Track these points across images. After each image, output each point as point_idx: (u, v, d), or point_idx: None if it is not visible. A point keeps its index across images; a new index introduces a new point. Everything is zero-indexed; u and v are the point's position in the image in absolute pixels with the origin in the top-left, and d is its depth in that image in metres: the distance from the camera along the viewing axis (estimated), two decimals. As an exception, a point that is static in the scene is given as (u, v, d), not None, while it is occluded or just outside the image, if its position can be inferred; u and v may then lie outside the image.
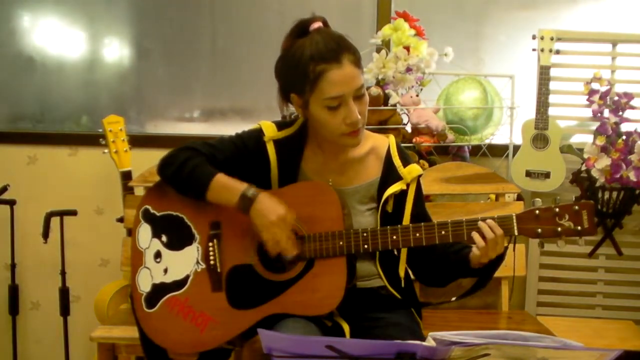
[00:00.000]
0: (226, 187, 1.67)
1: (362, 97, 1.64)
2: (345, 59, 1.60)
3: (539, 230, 1.59)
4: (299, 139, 1.78)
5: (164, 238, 1.78)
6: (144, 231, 1.79)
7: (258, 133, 1.77)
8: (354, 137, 1.66)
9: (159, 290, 1.75)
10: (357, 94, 1.62)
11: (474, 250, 1.61)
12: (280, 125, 1.79)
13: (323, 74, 1.58)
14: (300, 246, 1.66)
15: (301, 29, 1.66)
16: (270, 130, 1.77)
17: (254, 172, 1.76)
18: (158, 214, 1.79)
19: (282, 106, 1.76)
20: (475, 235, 1.60)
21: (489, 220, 1.60)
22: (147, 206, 1.81)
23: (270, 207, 1.63)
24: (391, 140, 1.81)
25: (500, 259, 1.64)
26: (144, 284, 1.76)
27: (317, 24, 1.66)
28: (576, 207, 1.58)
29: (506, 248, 1.63)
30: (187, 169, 1.69)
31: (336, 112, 1.62)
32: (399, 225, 1.68)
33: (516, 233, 1.61)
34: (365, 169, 1.78)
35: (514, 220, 1.60)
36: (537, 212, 1.59)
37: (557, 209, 1.59)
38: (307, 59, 1.60)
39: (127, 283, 2.53)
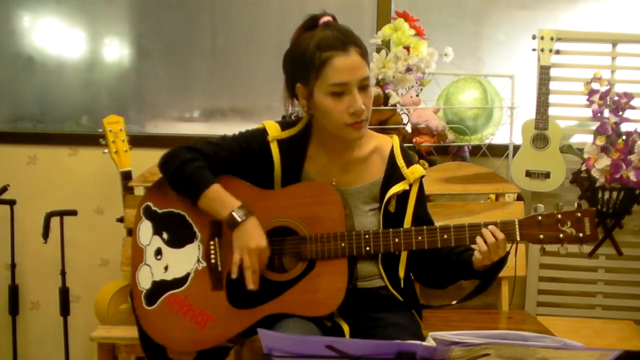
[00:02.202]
0: (219, 199, 1.68)
1: (367, 89, 1.65)
2: (351, 48, 1.61)
3: (541, 236, 1.60)
4: (302, 139, 1.78)
5: (165, 235, 1.78)
6: (145, 228, 1.80)
7: (262, 133, 1.77)
8: (357, 129, 1.66)
9: (159, 288, 1.75)
10: (362, 85, 1.63)
11: (476, 253, 1.61)
12: (284, 125, 1.79)
13: (329, 60, 1.60)
14: (259, 284, 1.66)
15: (311, 23, 1.68)
16: (274, 130, 1.77)
17: (257, 171, 1.76)
18: (159, 211, 1.79)
19: (287, 102, 1.76)
20: (477, 239, 1.60)
21: (491, 226, 1.61)
22: (149, 203, 1.81)
23: (254, 234, 1.64)
24: (395, 140, 1.81)
25: (502, 262, 1.63)
26: (144, 281, 1.77)
27: (326, 18, 1.67)
28: (578, 214, 1.58)
29: (508, 252, 1.63)
30: (186, 172, 1.69)
31: (340, 100, 1.62)
32: (401, 228, 1.68)
33: (518, 239, 1.61)
34: (368, 169, 1.78)
35: (517, 226, 1.61)
36: (539, 218, 1.60)
37: (559, 215, 1.59)
38: (313, 47, 1.61)
39: (127, 283, 2.53)
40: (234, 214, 1.65)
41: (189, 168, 1.69)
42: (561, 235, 1.59)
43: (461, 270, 1.70)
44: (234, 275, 1.66)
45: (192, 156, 1.71)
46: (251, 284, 1.64)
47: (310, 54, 1.61)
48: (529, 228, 1.60)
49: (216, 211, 1.68)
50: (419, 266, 1.79)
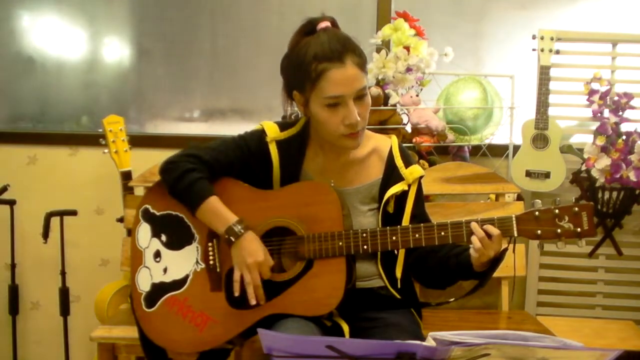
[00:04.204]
0: (216, 213, 1.68)
1: (363, 98, 1.64)
2: (348, 59, 1.60)
3: (539, 231, 1.59)
4: (301, 139, 1.78)
5: (163, 237, 1.78)
6: (144, 230, 1.80)
7: (260, 134, 1.77)
8: (353, 139, 1.66)
9: (159, 290, 1.75)
10: (358, 95, 1.62)
11: (471, 251, 1.61)
12: (283, 126, 1.79)
13: (324, 72, 1.59)
14: (265, 297, 1.66)
15: (309, 28, 1.67)
16: (272, 131, 1.77)
17: (257, 172, 1.76)
18: (158, 214, 1.79)
19: (286, 104, 1.76)
20: (472, 237, 1.60)
21: (480, 219, 1.60)
22: (147, 205, 1.81)
23: (251, 249, 1.64)
24: (393, 140, 1.81)
25: (499, 259, 1.63)
26: (144, 284, 1.77)
27: (324, 24, 1.66)
28: (576, 209, 1.58)
29: (505, 249, 1.62)
30: (185, 182, 1.69)
31: (335, 112, 1.62)
32: (398, 226, 1.67)
33: (516, 234, 1.60)
34: (367, 170, 1.78)
35: (514, 222, 1.60)
36: (536, 213, 1.59)
37: (556, 211, 1.58)
38: (310, 57, 1.60)
39: (127, 283, 2.53)
40: (230, 229, 1.65)
41: (188, 179, 1.69)
42: (559, 231, 1.58)
43: (460, 271, 1.69)
44: (236, 293, 1.66)
45: (192, 166, 1.71)
46: (253, 300, 1.65)
47: (306, 64, 1.60)
48: (526, 224, 1.60)
49: (213, 225, 1.69)
50: (418, 267, 1.79)
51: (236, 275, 1.66)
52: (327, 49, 1.59)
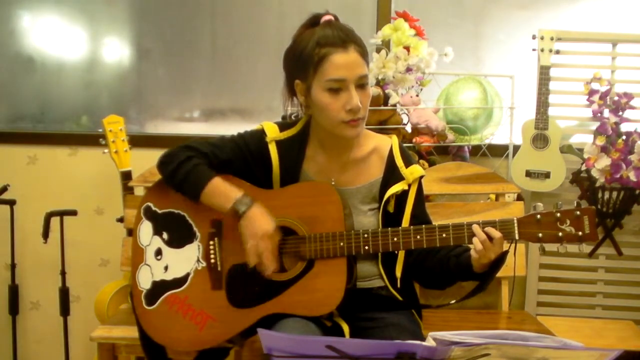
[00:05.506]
0: (221, 191, 1.68)
1: (364, 87, 1.65)
2: (351, 46, 1.62)
3: (540, 234, 1.59)
4: (301, 139, 1.78)
5: (165, 235, 1.78)
6: (145, 228, 1.80)
7: (260, 134, 1.77)
8: (352, 127, 1.66)
9: (159, 288, 1.75)
10: (359, 83, 1.63)
11: (472, 252, 1.61)
12: (283, 126, 1.79)
13: (327, 56, 1.61)
14: (278, 266, 1.66)
15: (313, 21, 1.69)
16: (272, 131, 1.77)
17: (256, 172, 1.76)
18: (160, 212, 1.79)
19: (286, 103, 1.76)
20: (473, 239, 1.60)
21: (481, 222, 1.60)
22: (149, 203, 1.81)
23: (260, 220, 1.64)
24: (394, 140, 1.81)
25: (500, 261, 1.62)
26: (144, 281, 1.77)
27: (328, 17, 1.68)
28: (578, 213, 1.58)
29: (506, 252, 1.62)
30: (185, 169, 1.69)
31: (337, 97, 1.62)
32: (399, 228, 1.67)
33: (517, 237, 1.60)
34: (367, 169, 1.78)
35: (515, 225, 1.60)
36: (538, 216, 1.59)
37: (558, 214, 1.58)
38: (313, 44, 1.62)
39: (127, 283, 2.53)
40: (236, 204, 1.64)
41: (187, 166, 1.69)
42: (560, 234, 1.58)
43: (460, 272, 1.69)
44: (251, 265, 1.65)
45: (190, 154, 1.71)
46: (271, 266, 1.64)
47: (309, 50, 1.62)
48: (527, 227, 1.60)
49: (219, 205, 1.68)
50: (418, 267, 1.79)
51: (248, 247, 1.64)
52: (330, 36, 1.62)
